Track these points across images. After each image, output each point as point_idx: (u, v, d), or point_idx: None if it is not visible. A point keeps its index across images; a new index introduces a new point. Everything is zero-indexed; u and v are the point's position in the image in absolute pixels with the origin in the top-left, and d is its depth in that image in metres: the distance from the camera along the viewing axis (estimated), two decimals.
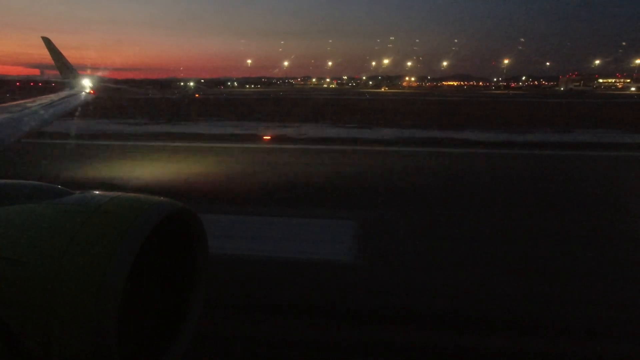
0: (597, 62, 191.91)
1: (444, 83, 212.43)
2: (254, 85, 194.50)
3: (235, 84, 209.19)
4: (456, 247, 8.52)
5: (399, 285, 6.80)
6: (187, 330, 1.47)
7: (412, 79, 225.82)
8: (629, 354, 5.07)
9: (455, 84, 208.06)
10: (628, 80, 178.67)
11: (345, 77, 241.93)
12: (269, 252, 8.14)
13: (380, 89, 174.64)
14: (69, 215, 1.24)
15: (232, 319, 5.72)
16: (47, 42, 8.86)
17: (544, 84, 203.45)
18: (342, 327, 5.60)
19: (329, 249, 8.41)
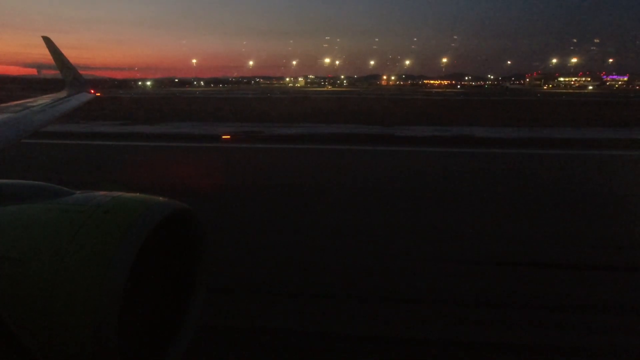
0: (555, 60, 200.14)
1: (426, 82, 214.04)
2: (219, 85, 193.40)
3: (202, 83, 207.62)
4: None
5: None
6: (188, 330, 1.47)
7: (392, 77, 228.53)
8: None
9: (437, 82, 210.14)
10: (588, 79, 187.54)
11: (312, 76, 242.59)
12: None
13: (326, 86, 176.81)
14: (69, 215, 1.23)
15: None
16: (48, 42, 8.72)
17: (496, 83, 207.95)
18: None
19: None
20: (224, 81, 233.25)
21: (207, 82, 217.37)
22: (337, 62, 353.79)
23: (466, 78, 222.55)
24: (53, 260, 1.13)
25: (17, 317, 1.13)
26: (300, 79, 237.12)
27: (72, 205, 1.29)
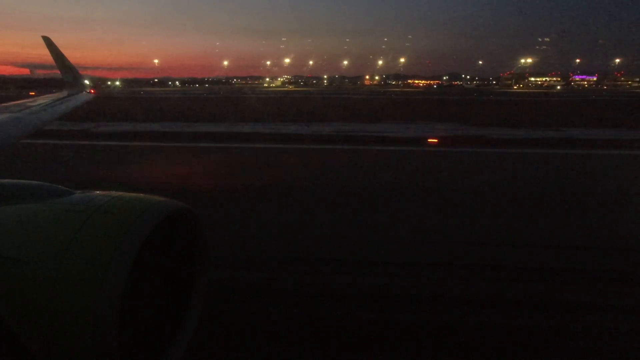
0: (529, 60, 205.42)
1: (410, 82, 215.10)
2: (195, 85, 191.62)
3: (178, 83, 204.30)
4: None
5: None
6: (188, 330, 1.46)
7: (376, 77, 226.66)
8: None
9: (421, 82, 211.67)
10: (557, 79, 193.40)
11: (289, 77, 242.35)
12: None
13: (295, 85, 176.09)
14: (69, 215, 1.23)
15: None
16: (47, 41, 8.60)
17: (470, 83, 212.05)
18: None
19: None
20: (200, 81, 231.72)
21: (184, 82, 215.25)
22: (311, 62, 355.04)
23: (444, 78, 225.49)
24: (53, 260, 1.12)
25: (17, 317, 1.12)
26: (279, 79, 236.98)
27: (72, 205, 1.29)
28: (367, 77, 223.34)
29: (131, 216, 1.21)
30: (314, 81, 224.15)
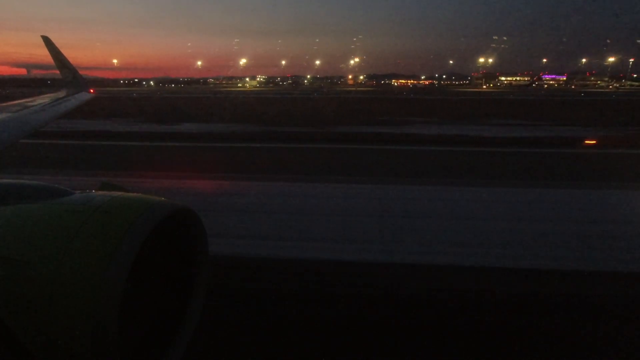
0: (490, 60, 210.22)
1: (394, 81, 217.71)
2: (170, 85, 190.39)
3: (152, 83, 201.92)
4: None
5: None
6: (188, 330, 1.45)
7: (361, 77, 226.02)
8: None
9: (404, 82, 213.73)
10: (526, 79, 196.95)
11: (264, 77, 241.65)
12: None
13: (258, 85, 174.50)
14: (69, 215, 1.21)
15: None
16: (47, 41, 8.41)
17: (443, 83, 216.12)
18: None
19: None
20: (176, 81, 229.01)
21: (158, 82, 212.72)
22: (283, 62, 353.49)
23: (422, 77, 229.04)
24: (53, 260, 1.10)
25: (17, 317, 1.11)
26: (257, 78, 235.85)
27: (72, 205, 1.27)
28: (350, 77, 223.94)
29: (131, 216, 1.19)
30: (289, 81, 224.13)
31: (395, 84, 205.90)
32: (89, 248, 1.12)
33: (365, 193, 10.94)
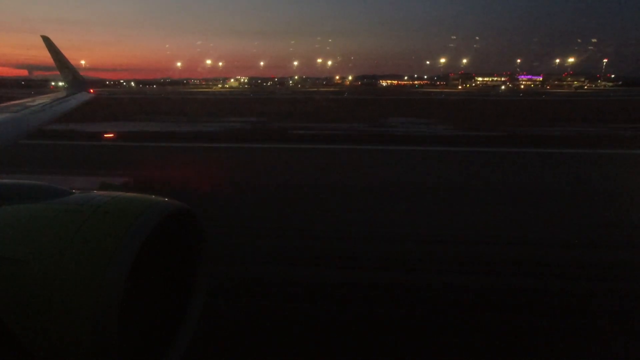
0: (464, 61, 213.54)
1: (381, 81, 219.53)
2: (152, 86, 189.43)
3: (132, 84, 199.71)
4: None
5: None
6: (188, 330, 1.43)
7: (350, 78, 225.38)
8: None
9: (390, 82, 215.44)
10: (502, 79, 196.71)
11: (245, 79, 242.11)
12: None
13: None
14: (69, 215, 1.20)
15: None
16: (47, 41, 8.29)
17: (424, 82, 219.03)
18: None
19: None
20: (156, 82, 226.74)
21: (137, 83, 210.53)
22: (262, 64, 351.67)
23: (405, 77, 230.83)
24: (53, 260, 1.09)
25: (17, 317, 1.09)
26: (241, 80, 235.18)
27: (72, 205, 1.26)
28: (337, 78, 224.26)
29: (131, 216, 1.18)
30: (269, 82, 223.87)
31: (385, 84, 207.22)
32: (89, 248, 1.10)
33: None
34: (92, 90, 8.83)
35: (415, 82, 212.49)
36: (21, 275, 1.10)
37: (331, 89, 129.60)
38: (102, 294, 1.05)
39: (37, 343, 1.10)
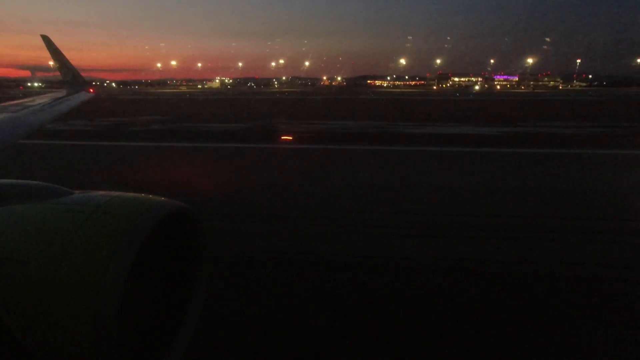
0: (438, 61, 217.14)
1: (371, 82, 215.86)
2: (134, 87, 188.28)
3: (113, 84, 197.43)
4: None
5: None
6: (188, 330, 1.43)
7: (339, 78, 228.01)
8: None
9: (380, 82, 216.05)
10: (480, 79, 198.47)
11: (229, 79, 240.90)
12: None
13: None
14: (69, 215, 1.19)
15: None
16: (47, 41, 8.17)
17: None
18: None
19: None
20: (139, 83, 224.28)
21: (119, 83, 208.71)
22: (240, 65, 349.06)
23: (388, 78, 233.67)
24: (53, 260, 1.08)
25: (17, 317, 1.08)
26: (216, 80, 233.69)
27: (72, 205, 1.25)
28: (325, 78, 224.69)
29: (131, 216, 1.17)
30: (251, 83, 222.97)
31: (372, 84, 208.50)
32: (88, 248, 1.09)
33: None
34: (91, 90, 8.79)
35: (395, 82, 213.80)
36: (21, 275, 1.09)
37: (295, 90, 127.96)
38: (102, 294, 1.04)
39: (37, 343, 1.09)
